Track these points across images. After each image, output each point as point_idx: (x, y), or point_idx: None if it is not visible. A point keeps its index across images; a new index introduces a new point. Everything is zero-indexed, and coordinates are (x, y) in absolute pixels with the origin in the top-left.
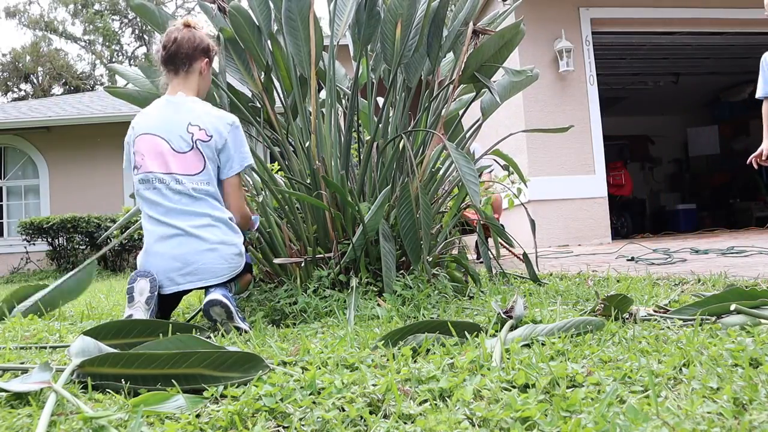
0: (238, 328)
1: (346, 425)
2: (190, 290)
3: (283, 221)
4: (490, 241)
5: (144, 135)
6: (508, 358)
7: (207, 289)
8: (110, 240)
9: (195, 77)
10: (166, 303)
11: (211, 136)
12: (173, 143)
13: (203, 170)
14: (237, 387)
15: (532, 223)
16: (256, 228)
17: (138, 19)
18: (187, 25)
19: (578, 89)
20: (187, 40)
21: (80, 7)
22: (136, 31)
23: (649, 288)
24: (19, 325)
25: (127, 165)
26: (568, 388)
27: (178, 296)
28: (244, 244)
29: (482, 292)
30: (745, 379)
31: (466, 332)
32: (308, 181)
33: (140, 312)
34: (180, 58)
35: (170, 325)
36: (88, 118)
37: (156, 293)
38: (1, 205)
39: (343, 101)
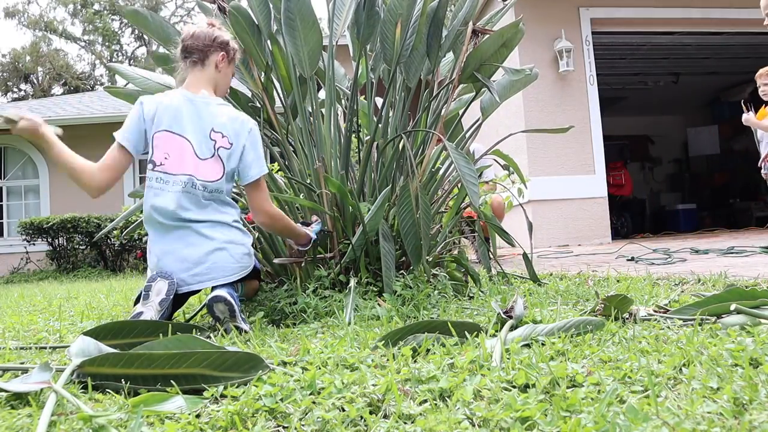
0: (238, 328)
1: (346, 425)
2: (200, 290)
3: None
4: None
5: (168, 132)
6: (508, 358)
7: (212, 291)
8: (109, 239)
9: (211, 71)
10: (173, 303)
11: (232, 144)
12: (197, 148)
13: (222, 177)
14: (237, 387)
15: (530, 225)
16: (313, 240)
17: None
18: (210, 25)
19: (578, 89)
20: (204, 35)
21: (80, 7)
22: (136, 31)
23: (649, 288)
24: (19, 325)
25: (131, 143)
26: (568, 388)
27: (185, 296)
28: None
29: (482, 292)
30: (745, 379)
31: (466, 332)
32: (308, 181)
33: (152, 312)
34: (196, 49)
35: (170, 325)
36: (88, 118)
37: (171, 297)
38: (1, 205)
39: (343, 101)
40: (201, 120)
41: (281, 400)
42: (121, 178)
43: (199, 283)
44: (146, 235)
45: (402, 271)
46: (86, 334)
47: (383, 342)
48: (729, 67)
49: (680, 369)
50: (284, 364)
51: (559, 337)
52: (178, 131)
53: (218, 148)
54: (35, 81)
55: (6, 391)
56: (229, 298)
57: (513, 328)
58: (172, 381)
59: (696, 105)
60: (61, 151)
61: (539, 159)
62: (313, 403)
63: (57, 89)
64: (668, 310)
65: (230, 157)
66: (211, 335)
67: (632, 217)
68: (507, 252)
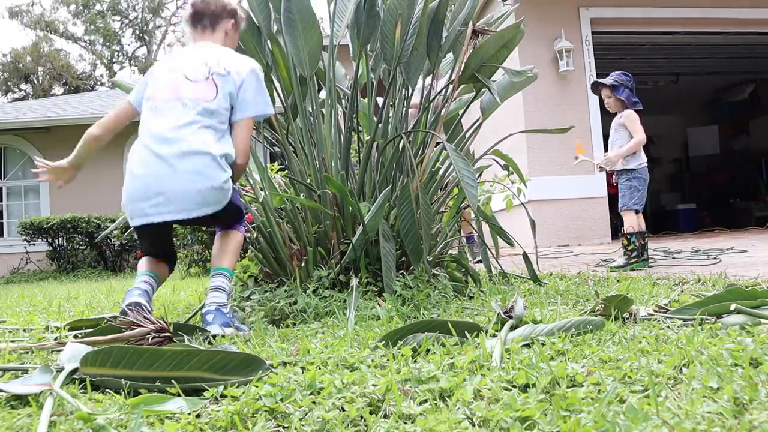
0: (238, 329)
1: (346, 425)
2: (165, 222)
3: (284, 221)
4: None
5: (161, 72)
6: (508, 358)
7: (204, 318)
8: (109, 239)
9: (220, 36)
10: (153, 235)
11: (229, 72)
12: (188, 74)
13: (215, 98)
14: (237, 387)
15: (533, 223)
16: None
17: (139, 20)
18: None
19: (578, 89)
20: (215, 1)
21: (81, 7)
22: (137, 32)
23: (649, 288)
24: (19, 325)
25: (134, 96)
26: (568, 387)
27: (167, 229)
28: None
29: (482, 292)
30: (745, 379)
31: (466, 332)
32: (308, 181)
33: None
34: (207, 15)
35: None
36: (88, 118)
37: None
38: (1, 205)
39: (343, 101)
40: (195, 53)
41: (281, 400)
42: (121, 180)
43: (159, 214)
44: None
45: (402, 271)
46: (86, 357)
47: (383, 342)
48: (729, 67)
49: (680, 369)
50: (284, 364)
51: (559, 337)
52: (168, 69)
53: (213, 73)
54: (35, 81)
55: (6, 392)
56: (222, 332)
57: (513, 328)
58: (172, 381)
59: (696, 105)
60: (84, 153)
61: (539, 159)
62: (313, 403)
63: (57, 89)
64: (668, 310)
65: (225, 83)
66: (210, 337)
67: None
68: (507, 252)
